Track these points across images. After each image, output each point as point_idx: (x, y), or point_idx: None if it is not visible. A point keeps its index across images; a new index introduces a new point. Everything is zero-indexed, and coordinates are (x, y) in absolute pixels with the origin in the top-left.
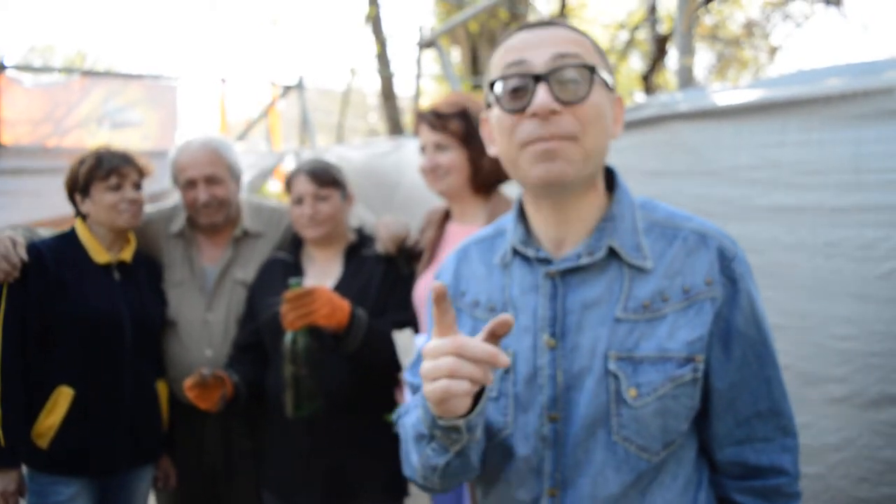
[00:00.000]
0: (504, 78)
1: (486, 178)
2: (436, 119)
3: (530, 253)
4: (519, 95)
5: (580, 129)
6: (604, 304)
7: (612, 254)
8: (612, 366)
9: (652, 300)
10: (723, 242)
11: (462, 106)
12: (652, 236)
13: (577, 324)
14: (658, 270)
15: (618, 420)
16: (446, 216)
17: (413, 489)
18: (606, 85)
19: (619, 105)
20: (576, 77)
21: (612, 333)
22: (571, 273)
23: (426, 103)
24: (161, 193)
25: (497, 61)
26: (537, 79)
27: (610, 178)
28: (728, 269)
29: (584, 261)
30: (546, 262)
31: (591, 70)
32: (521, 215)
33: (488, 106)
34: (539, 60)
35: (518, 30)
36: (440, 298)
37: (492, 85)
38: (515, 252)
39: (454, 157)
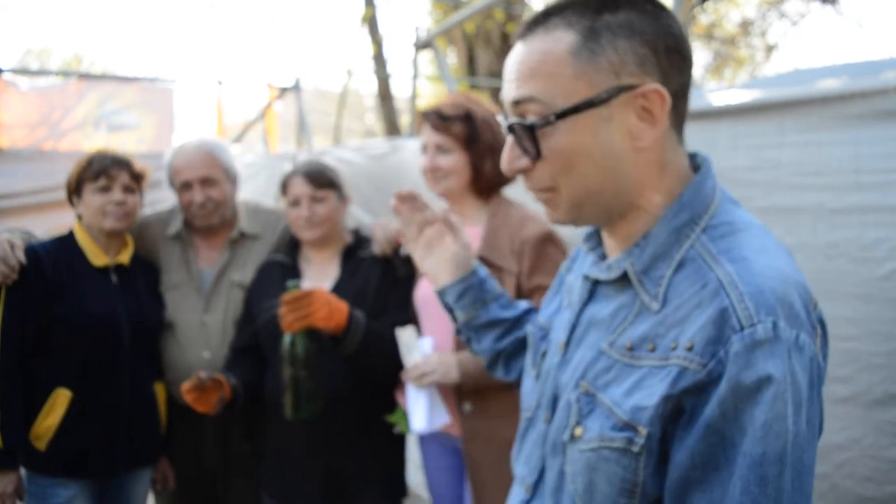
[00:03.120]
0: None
1: (487, 183)
2: (439, 120)
3: (585, 247)
4: None
5: (553, 182)
6: (602, 329)
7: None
8: (574, 395)
9: (637, 345)
10: (737, 305)
11: (466, 108)
12: (686, 271)
13: (579, 338)
14: (662, 314)
15: (570, 453)
16: None
17: (412, 490)
18: (596, 102)
19: (651, 100)
20: (523, 133)
21: (592, 363)
22: (600, 283)
23: (423, 104)
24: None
25: None
26: (508, 127)
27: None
28: (727, 341)
29: (603, 275)
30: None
31: (531, 128)
32: None
33: None
34: (507, 105)
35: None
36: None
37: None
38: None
39: (455, 161)
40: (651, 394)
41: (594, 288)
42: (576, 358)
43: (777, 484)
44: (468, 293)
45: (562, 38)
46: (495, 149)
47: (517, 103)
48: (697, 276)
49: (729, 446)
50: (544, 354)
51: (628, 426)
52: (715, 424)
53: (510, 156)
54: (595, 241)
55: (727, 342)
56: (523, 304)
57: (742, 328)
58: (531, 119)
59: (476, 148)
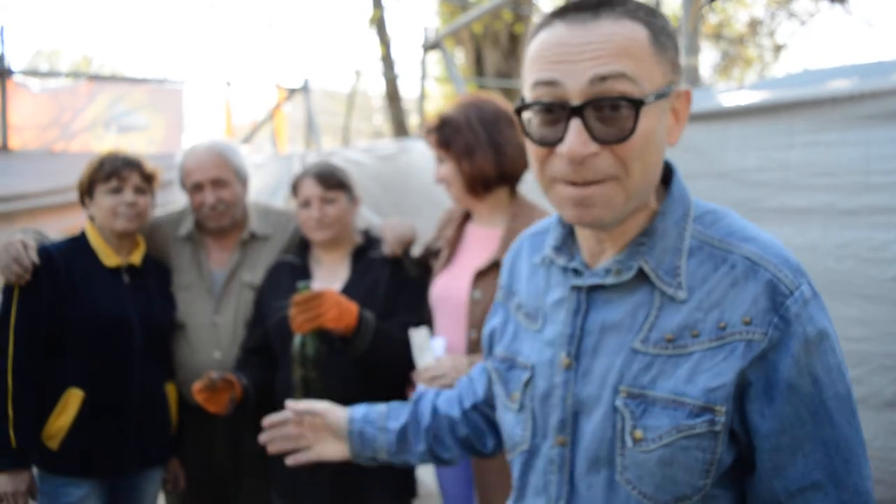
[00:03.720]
0: (534, 103)
1: (475, 183)
2: (426, 134)
3: (561, 261)
4: (551, 123)
5: (622, 170)
6: (623, 331)
7: (644, 275)
8: (620, 402)
9: (678, 334)
10: (779, 275)
11: (443, 116)
12: (698, 258)
13: (593, 347)
14: (692, 300)
15: (622, 460)
16: (467, 216)
17: (421, 490)
18: (666, 93)
19: (682, 102)
20: (618, 109)
21: (626, 365)
22: (598, 290)
23: (431, 105)
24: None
25: (529, 66)
26: (572, 110)
27: (668, 174)
28: (781, 306)
29: (609, 280)
30: (576, 272)
31: (638, 103)
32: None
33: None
34: (575, 85)
35: (557, 16)
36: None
37: (520, 108)
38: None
39: (448, 169)
40: (719, 373)
41: (589, 296)
42: (598, 367)
43: (855, 411)
44: (366, 442)
45: (635, 28)
46: (472, 149)
47: (603, 79)
48: (715, 261)
49: (807, 399)
50: (528, 383)
51: (706, 409)
52: (794, 382)
53: (581, 139)
54: (567, 253)
55: (782, 307)
56: (411, 397)
57: (792, 292)
58: (621, 100)
59: (454, 151)
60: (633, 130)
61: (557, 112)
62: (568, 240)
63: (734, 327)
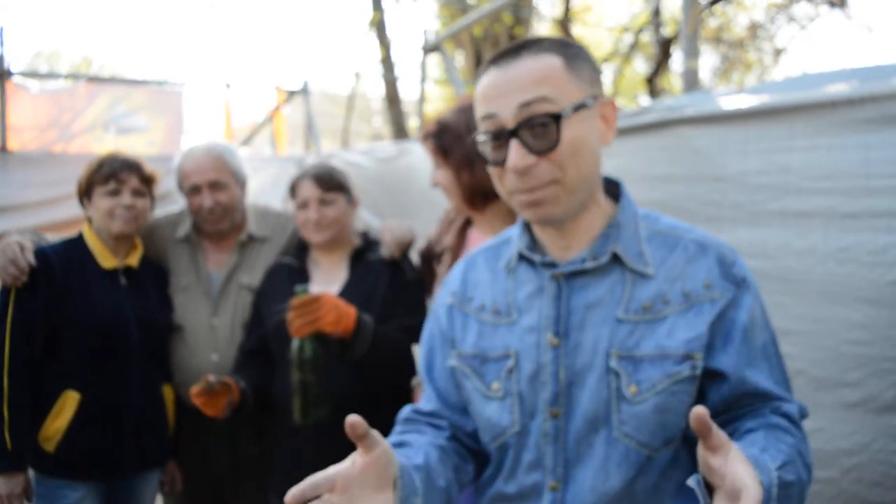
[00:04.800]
0: (483, 134)
1: (473, 194)
2: (422, 138)
3: (536, 258)
4: (499, 147)
5: (559, 172)
6: (606, 306)
7: (616, 259)
8: (614, 363)
9: (653, 302)
10: (721, 251)
11: (439, 123)
12: (654, 244)
13: (579, 323)
14: (659, 276)
15: (618, 416)
16: (468, 221)
17: None
18: (586, 104)
19: (609, 109)
20: (544, 126)
21: (613, 333)
22: (575, 276)
23: (431, 107)
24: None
25: (476, 106)
26: (509, 133)
27: (616, 188)
28: (730, 273)
29: (589, 265)
30: (551, 265)
31: (557, 117)
32: (527, 224)
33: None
34: (507, 113)
35: (491, 62)
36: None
37: (477, 140)
38: (521, 257)
39: (444, 176)
40: (693, 327)
41: (568, 282)
42: (587, 339)
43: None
44: (407, 485)
45: (551, 58)
46: (472, 160)
47: (527, 104)
48: (668, 245)
49: (751, 331)
50: (512, 369)
51: (687, 357)
52: (745, 326)
53: (520, 154)
54: (537, 252)
55: (731, 273)
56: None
57: (735, 261)
58: (543, 117)
59: (452, 159)
60: (558, 139)
61: (501, 138)
62: (534, 243)
63: (697, 292)
